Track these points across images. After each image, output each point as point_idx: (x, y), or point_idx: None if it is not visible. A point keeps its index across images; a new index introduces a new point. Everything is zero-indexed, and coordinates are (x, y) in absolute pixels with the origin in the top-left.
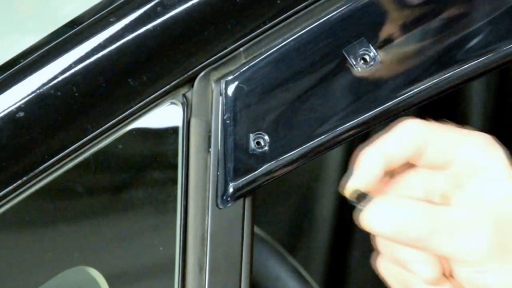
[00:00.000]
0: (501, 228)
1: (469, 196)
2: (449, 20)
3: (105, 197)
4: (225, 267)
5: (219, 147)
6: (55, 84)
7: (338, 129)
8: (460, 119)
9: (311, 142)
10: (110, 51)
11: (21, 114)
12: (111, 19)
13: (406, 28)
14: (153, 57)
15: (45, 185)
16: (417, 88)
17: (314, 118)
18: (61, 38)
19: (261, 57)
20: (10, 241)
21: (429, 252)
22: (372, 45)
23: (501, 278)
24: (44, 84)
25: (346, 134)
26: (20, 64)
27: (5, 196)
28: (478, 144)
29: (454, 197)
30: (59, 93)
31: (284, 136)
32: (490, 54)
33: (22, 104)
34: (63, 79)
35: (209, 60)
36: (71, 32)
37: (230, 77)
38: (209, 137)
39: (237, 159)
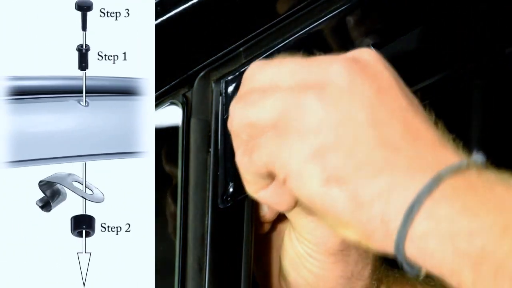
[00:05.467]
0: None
1: None
2: (449, 20)
3: None
4: (225, 267)
5: (219, 147)
6: None
7: None
8: (460, 118)
9: None
10: None
11: None
12: None
13: (406, 27)
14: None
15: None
16: (417, 87)
17: None
18: None
19: (261, 57)
20: None
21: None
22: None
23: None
24: None
25: None
26: None
27: None
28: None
29: None
30: None
31: None
32: (490, 55)
33: None
34: None
35: (209, 60)
36: None
37: (230, 77)
38: (209, 137)
39: None
